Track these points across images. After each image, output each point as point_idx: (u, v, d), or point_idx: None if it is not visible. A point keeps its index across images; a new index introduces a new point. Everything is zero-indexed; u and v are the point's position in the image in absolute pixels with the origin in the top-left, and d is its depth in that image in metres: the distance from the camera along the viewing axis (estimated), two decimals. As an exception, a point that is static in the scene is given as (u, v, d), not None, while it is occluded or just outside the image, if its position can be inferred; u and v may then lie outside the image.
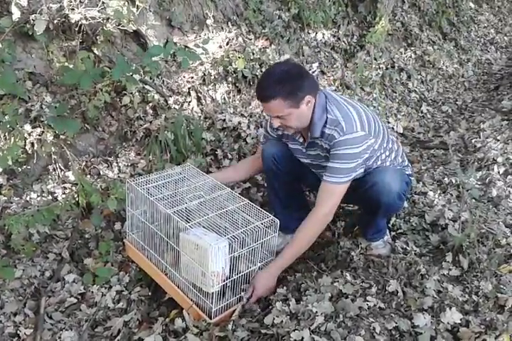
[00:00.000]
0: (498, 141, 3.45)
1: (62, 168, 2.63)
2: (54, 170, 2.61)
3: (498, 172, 2.96)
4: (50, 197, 2.53)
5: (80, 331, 2.06)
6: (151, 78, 3.18)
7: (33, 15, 2.50)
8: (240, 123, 3.37)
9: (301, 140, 2.19)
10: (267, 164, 2.37)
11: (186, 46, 3.44)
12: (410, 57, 5.46)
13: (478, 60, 6.60)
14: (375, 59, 4.95)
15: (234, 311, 1.93)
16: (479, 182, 2.87)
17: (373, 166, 2.15)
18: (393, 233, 2.43)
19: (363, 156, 2.00)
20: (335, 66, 4.57)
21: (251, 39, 3.90)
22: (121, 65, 2.60)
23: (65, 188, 2.58)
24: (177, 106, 3.22)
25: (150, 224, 2.20)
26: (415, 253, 2.21)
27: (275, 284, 2.04)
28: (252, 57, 3.72)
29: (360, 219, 2.44)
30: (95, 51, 2.87)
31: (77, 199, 2.51)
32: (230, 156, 3.17)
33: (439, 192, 2.74)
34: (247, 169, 2.52)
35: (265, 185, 2.74)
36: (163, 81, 3.26)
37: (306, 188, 2.61)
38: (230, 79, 3.59)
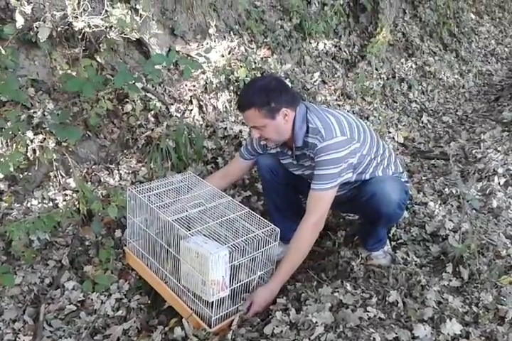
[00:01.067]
0: (499, 152, 3.46)
1: (64, 174, 2.63)
2: (55, 176, 2.61)
3: (499, 183, 2.97)
4: (50, 204, 2.52)
5: (79, 339, 2.05)
6: (153, 86, 3.19)
7: (36, 23, 2.51)
8: (241, 131, 3.37)
9: (289, 153, 2.22)
10: (263, 175, 2.39)
11: (189, 55, 3.45)
12: (411, 67, 5.49)
13: (478, 71, 6.63)
14: (376, 69, 4.98)
15: (233, 320, 1.93)
16: (480, 193, 2.88)
17: (365, 176, 2.16)
18: (393, 243, 2.43)
19: (348, 161, 2.01)
20: (336, 76, 4.60)
21: (253, 48, 3.93)
22: (123, 73, 2.61)
23: (65, 195, 2.58)
24: (178, 114, 3.24)
25: (150, 232, 2.20)
26: (415, 264, 2.21)
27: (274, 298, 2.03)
28: (253, 67, 3.74)
29: (361, 229, 2.44)
30: (98, 59, 2.87)
31: (77, 206, 2.51)
32: (230, 165, 3.17)
33: (439, 202, 2.74)
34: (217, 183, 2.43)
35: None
36: (165, 89, 3.28)
37: (303, 198, 2.62)
38: (231, 87, 3.61)
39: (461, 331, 1.72)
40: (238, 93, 3.62)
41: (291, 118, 2.05)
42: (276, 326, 1.78)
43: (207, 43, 3.62)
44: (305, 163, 2.18)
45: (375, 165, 2.15)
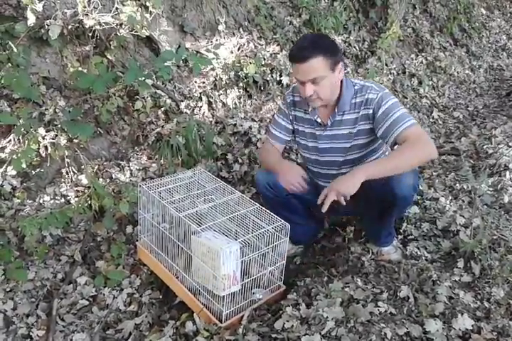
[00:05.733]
0: (510, 147, 3.43)
1: (75, 171, 2.66)
2: (67, 173, 2.64)
3: (510, 179, 2.94)
4: (63, 200, 2.55)
5: (92, 333, 2.07)
6: (163, 83, 3.21)
7: (47, 21, 2.54)
8: (250, 127, 3.38)
9: (319, 120, 2.15)
10: (262, 191, 2.32)
11: (198, 51, 3.47)
12: (421, 62, 5.45)
13: (489, 66, 6.58)
14: (386, 65, 4.95)
15: (244, 315, 1.94)
16: (491, 189, 2.85)
17: (376, 156, 2.22)
18: (404, 239, 2.42)
19: None
20: (346, 71, 4.56)
21: (262, 45, 3.93)
22: (134, 69, 2.63)
23: (77, 191, 2.61)
24: (188, 111, 3.25)
25: (161, 228, 2.22)
26: (427, 259, 2.20)
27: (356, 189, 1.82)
28: (263, 63, 3.74)
29: (370, 224, 2.35)
30: (108, 56, 2.90)
31: (89, 202, 2.53)
32: (240, 161, 3.19)
33: (450, 198, 2.72)
34: None
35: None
36: (174, 86, 3.29)
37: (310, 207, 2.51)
38: (241, 84, 3.61)
39: (472, 326, 1.71)
40: (248, 89, 3.64)
41: (342, 75, 2.01)
42: (287, 321, 1.78)
43: (216, 40, 3.63)
44: (337, 132, 2.13)
45: (384, 149, 2.21)
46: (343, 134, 2.13)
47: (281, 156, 2.31)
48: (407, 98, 4.91)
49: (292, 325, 1.76)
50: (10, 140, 2.48)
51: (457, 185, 2.92)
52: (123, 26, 2.84)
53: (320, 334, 1.67)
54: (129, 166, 2.86)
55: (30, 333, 2.02)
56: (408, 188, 2.01)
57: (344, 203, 1.85)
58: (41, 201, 2.50)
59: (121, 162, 2.87)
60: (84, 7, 2.65)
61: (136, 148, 2.99)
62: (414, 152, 1.87)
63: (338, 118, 2.11)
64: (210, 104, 3.41)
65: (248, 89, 3.66)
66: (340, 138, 2.15)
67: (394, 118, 1.95)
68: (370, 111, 2.02)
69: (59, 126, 2.58)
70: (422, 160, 1.93)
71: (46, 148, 2.54)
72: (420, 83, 5.21)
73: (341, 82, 2.05)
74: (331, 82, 1.96)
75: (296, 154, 3.35)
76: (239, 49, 3.74)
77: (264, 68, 3.75)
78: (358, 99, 2.04)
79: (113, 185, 2.70)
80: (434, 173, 3.28)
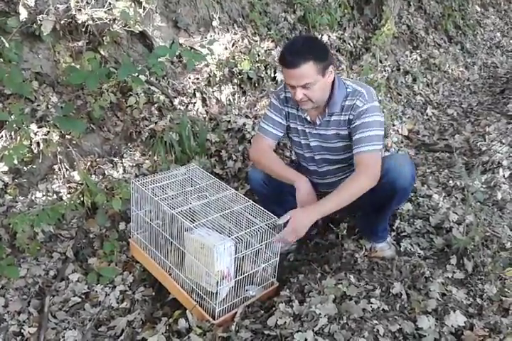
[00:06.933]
0: (504, 144, 3.44)
1: (68, 167, 2.64)
2: (59, 169, 2.62)
3: (503, 176, 2.95)
4: (55, 197, 2.53)
5: (84, 330, 2.06)
6: (156, 79, 3.19)
7: (40, 16, 2.52)
8: (244, 124, 3.37)
9: (308, 118, 2.14)
10: (257, 189, 2.33)
11: (192, 47, 3.45)
12: (416, 59, 5.46)
13: (483, 64, 6.58)
14: (381, 61, 4.95)
15: (237, 312, 1.93)
16: (484, 186, 2.86)
17: None
18: (397, 235, 2.43)
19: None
20: (340, 68, 4.58)
21: (256, 41, 3.91)
22: (128, 65, 2.61)
23: (70, 188, 2.59)
24: (182, 107, 3.23)
25: (154, 225, 2.21)
26: (419, 256, 2.21)
27: (307, 229, 1.90)
28: (257, 59, 3.73)
29: (367, 220, 2.32)
30: (101, 52, 2.88)
31: (82, 198, 2.52)
32: (234, 157, 3.18)
33: (443, 195, 2.73)
34: None
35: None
36: (168, 82, 3.27)
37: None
38: (235, 80, 3.60)
39: (465, 323, 1.72)
40: (242, 86, 3.63)
41: (332, 78, 1.99)
42: (280, 317, 1.78)
43: (210, 36, 3.61)
44: (324, 132, 2.13)
45: None
46: (332, 134, 2.12)
47: (283, 162, 2.24)
48: (401, 95, 4.90)
49: (285, 322, 1.76)
50: (2, 136, 2.45)
51: (450, 182, 2.92)
52: (116, 22, 2.81)
53: (313, 330, 1.67)
54: (122, 163, 2.84)
55: (22, 330, 2.02)
56: (408, 179, 2.01)
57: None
58: (33, 197, 2.49)
59: (114, 158, 2.85)
60: (77, 2, 2.63)
61: (129, 144, 2.98)
62: (358, 187, 1.92)
63: (326, 119, 2.10)
64: (204, 100, 3.40)
65: (242, 86, 3.65)
66: (329, 138, 2.14)
67: (362, 136, 1.97)
68: (351, 117, 2.02)
69: (51, 122, 2.56)
70: (364, 191, 1.94)
71: (38, 144, 2.53)
72: (414, 80, 5.20)
73: (333, 82, 2.02)
74: (321, 86, 1.95)
75: (290, 151, 3.35)
76: (233, 45, 3.73)
77: (259, 64, 3.74)
78: (347, 102, 2.02)
79: (106, 182, 2.68)
80: (427, 170, 3.29)
